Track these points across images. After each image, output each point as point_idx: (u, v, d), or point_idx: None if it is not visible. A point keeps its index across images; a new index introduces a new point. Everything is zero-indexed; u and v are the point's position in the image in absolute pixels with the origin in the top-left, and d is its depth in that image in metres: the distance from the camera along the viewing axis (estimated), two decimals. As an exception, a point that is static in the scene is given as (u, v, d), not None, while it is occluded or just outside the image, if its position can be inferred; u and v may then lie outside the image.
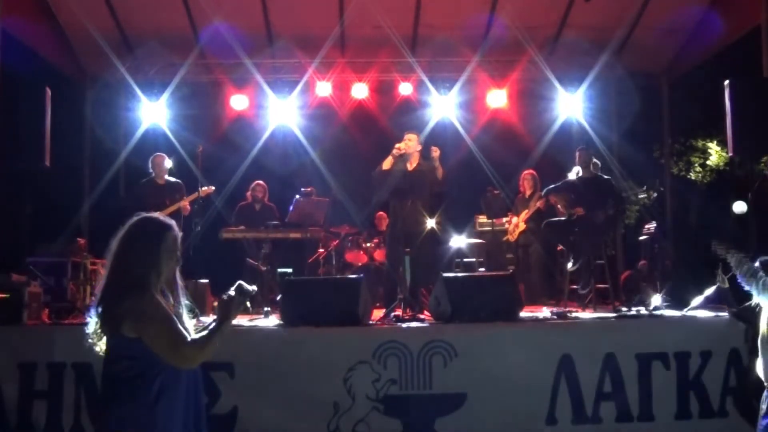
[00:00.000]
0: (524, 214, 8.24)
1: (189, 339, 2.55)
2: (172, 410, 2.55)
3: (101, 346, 2.62)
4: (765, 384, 3.88)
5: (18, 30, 7.18)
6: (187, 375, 2.62)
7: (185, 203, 7.54)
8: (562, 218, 7.05)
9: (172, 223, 2.73)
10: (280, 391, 4.93)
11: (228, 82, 9.55)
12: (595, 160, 7.22)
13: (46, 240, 7.92)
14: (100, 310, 2.56)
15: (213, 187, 7.63)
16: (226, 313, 2.60)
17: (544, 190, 7.41)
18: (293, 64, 9.31)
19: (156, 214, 2.74)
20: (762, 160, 12.63)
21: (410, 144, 6.72)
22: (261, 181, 8.57)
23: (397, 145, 6.64)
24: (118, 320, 2.50)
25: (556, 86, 9.34)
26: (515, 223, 8.30)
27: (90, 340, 2.63)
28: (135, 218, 2.70)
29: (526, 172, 8.54)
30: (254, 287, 2.71)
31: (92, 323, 2.60)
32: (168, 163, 7.77)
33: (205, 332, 2.59)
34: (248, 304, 2.72)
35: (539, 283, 8.17)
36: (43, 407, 5.03)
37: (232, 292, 2.62)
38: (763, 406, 3.82)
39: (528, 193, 8.39)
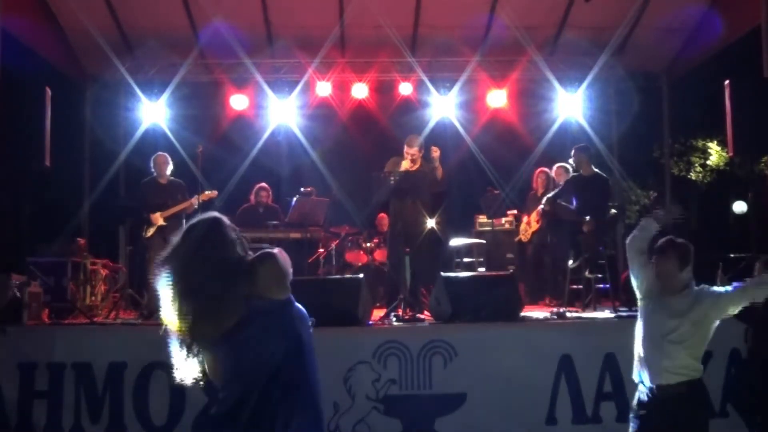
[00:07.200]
0: (537, 213, 8.13)
1: None
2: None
3: None
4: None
5: (18, 30, 7.17)
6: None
7: (192, 203, 7.45)
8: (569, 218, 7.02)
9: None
10: (280, 391, 4.93)
11: (228, 82, 9.53)
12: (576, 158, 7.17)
13: (46, 240, 7.92)
14: None
15: (216, 192, 7.52)
16: None
17: (545, 199, 7.35)
18: (293, 64, 9.30)
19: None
20: (762, 160, 12.64)
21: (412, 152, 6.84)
22: (264, 184, 8.54)
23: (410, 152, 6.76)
24: None
25: (556, 86, 9.32)
26: (527, 221, 8.20)
27: None
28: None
29: (539, 170, 8.36)
30: None
31: None
32: (170, 162, 7.70)
33: None
34: None
35: (539, 283, 8.14)
36: (43, 407, 5.04)
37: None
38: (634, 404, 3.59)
39: (540, 191, 8.19)
